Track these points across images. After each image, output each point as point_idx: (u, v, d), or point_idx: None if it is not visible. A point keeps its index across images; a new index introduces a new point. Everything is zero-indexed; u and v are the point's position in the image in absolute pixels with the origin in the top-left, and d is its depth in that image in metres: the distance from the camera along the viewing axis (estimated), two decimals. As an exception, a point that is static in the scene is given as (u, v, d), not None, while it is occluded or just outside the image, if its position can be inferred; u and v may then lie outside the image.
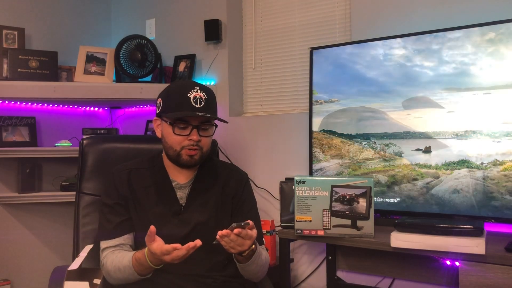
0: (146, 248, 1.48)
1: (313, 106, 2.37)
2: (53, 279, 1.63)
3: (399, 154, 2.12)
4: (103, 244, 1.62)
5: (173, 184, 1.66)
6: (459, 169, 1.97)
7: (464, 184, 1.95)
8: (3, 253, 2.92)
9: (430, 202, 2.02)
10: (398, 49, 2.12)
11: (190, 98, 1.57)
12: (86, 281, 1.38)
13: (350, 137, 2.26)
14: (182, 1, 3.19)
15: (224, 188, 1.69)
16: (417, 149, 2.07)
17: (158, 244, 1.43)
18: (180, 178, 1.67)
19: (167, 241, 1.56)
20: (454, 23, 2.10)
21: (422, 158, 2.06)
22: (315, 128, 2.36)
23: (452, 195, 1.98)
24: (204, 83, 2.99)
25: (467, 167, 1.95)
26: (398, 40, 2.13)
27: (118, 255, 1.57)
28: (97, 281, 1.44)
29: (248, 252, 1.50)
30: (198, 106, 1.57)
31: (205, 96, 1.59)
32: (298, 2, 2.82)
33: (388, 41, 2.16)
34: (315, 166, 2.34)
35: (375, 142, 2.19)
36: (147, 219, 1.61)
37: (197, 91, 1.59)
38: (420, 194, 2.04)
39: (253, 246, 1.51)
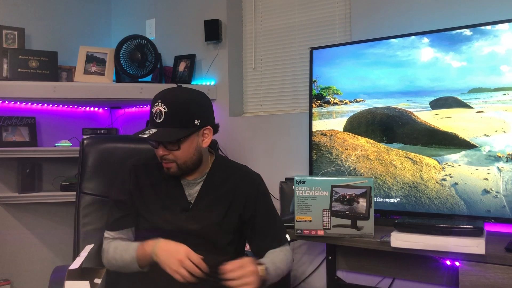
0: (160, 240, 1.52)
1: (338, 106, 2.34)
2: (53, 279, 1.63)
3: (426, 154, 2.10)
4: (106, 233, 1.67)
5: (182, 181, 1.66)
6: (489, 169, 1.95)
7: (495, 184, 1.93)
8: (3, 253, 2.92)
9: (459, 203, 2.00)
10: (424, 48, 2.10)
11: (153, 112, 1.56)
12: (87, 280, 1.38)
13: (376, 137, 2.24)
14: (182, 1, 3.19)
15: (236, 189, 1.67)
16: (445, 149, 2.05)
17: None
18: (189, 175, 1.67)
19: (174, 237, 1.57)
20: (456, 22, 2.10)
21: (450, 158, 2.04)
22: (340, 128, 2.33)
23: (482, 196, 1.95)
24: (204, 83, 3.03)
25: (497, 168, 1.93)
26: (425, 39, 2.10)
27: (122, 243, 1.61)
28: (97, 280, 1.44)
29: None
30: (158, 121, 1.54)
31: (166, 110, 1.54)
32: (298, 2, 2.82)
33: (412, 39, 2.14)
34: (339, 166, 2.31)
35: (402, 142, 2.17)
36: (155, 215, 1.62)
37: (158, 105, 1.55)
38: (449, 195, 2.02)
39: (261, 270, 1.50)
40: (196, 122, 1.57)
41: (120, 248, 1.59)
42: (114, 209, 1.67)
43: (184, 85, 1.81)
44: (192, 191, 1.66)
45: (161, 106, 1.54)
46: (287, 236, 1.72)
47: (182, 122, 1.56)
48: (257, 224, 1.68)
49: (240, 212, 1.66)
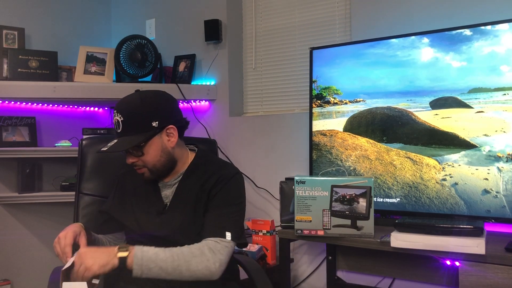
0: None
1: (338, 106, 2.33)
2: (52, 279, 1.63)
3: (426, 154, 2.09)
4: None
5: (159, 183, 1.67)
6: (489, 169, 1.94)
7: (495, 184, 1.92)
8: (3, 253, 2.92)
9: (459, 203, 1.99)
10: (424, 48, 2.10)
11: (114, 123, 1.58)
12: (84, 280, 1.38)
13: (376, 137, 2.23)
14: (182, 1, 3.19)
15: (203, 184, 1.61)
16: (445, 149, 2.05)
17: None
18: (165, 177, 1.67)
19: (149, 241, 1.55)
20: (456, 22, 2.10)
21: (450, 158, 2.03)
22: (340, 128, 2.33)
23: (482, 196, 1.95)
24: (204, 83, 3.03)
25: (497, 168, 1.93)
26: (425, 39, 2.10)
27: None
28: (95, 281, 1.44)
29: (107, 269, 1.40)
30: (118, 130, 1.56)
31: (121, 118, 1.54)
32: (298, 2, 2.81)
33: (412, 39, 2.13)
34: (339, 166, 2.31)
35: (402, 142, 2.16)
36: (132, 219, 1.64)
37: (115, 115, 1.56)
38: (449, 195, 2.02)
39: (119, 255, 1.41)
40: (154, 124, 1.55)
41: None
42: (99, 213, 1.75)
43: (147, 86, 1.80)
44: (168, 193, 1.66)
45: (117, 116, 1.55)
46: (228, 234, 1.53)
47: (139, 127, 1.55)
48: (207, 213, 1.59)
49: (205, 205, 1.60)
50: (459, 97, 2.03)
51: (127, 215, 1.66)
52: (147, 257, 1.43)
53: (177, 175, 1.66)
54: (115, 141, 1.56)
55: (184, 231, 1.58)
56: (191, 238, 1.54)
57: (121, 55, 2.91)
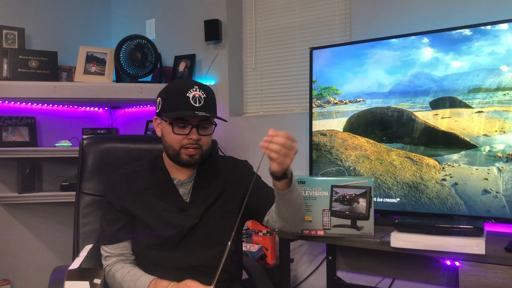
0: (172, 283, 1.47)
1: (338, 106, 2.33)
2: (53, 279, 1.63)
3: (426, 154, 2.10)
4: (105, 249, 1.64)
5: (174, 181, 1.67)
6: (489, 169, 1.95)
7: (495, 184, 1.93)
8: (3, 253, 2.92)
9: (459, 203, 2.00)
10: (424, 48, 2.10)
11: (189, 97, 1.56)
12: (86, 281, 1.38)
13: (376, 137, 2.24)
14: (182, 1, 3.19)
15: (227, 177, 1.69)
16: (445, 149, 2.05)
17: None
18: (180, 175, 1.67)
19: (175, 235, 1.58)
20: (456, 22, 2.10)
21: (450, 158, 2.03)
22: (340, 128, 2.33)
23: (482, 196, 1.95)
24: (204, 83, 3.03)
25: (497, 168, 1.93)
26: (425, 39, 2.10)
27: (131, 272, 1.57)
28: (97, 281, 1.44)
29: (288, 170, 1.53)
30: (197, 105, 1.56)
31: (204, 95, 1.58)
32: (298, 2, 2.82)
33: (412, 39, 2.14)
34: (339, 166, 2.31)
35: (402, 142, 2.16)
36: (153, 218, 1.61)
37: (196, 90, 1.58)
38: (449, 195, 2.02)
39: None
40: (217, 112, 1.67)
41: (128, 279, 1.55)
42: (111, 220, 1.65)
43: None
44: (186, 190, 1.66)
45: (199, 91, 1.59)
46: None
47: (214, 111, 1.65)
48: (263, 193, 1.71)
49: (239, 195, 1.67)
50: (459, 97, 2.03)
51: (146, 213, 1.62)
52: (296, 182, 1.61)
53: (192, 172, 1.68)
54: (201, 112, 1.56)
55: (212, 220, 1.62)
56: (219, 226, 1.62)
57: (121, 55, 2.91)
